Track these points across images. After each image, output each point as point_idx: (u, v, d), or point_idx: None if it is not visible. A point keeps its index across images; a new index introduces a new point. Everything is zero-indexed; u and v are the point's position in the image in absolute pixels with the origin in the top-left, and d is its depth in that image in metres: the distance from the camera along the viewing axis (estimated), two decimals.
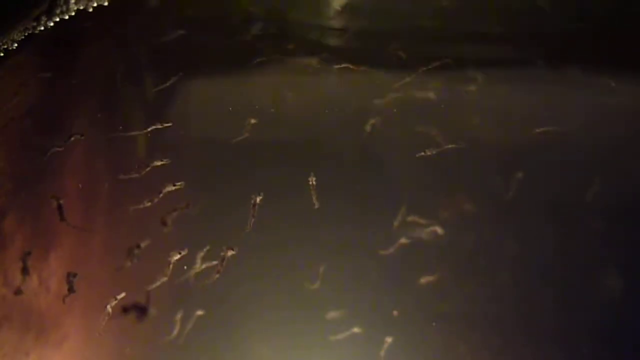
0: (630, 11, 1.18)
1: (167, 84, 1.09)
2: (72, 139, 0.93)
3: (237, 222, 0.90)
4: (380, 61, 1.13)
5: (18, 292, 0.84)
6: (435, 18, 1.22)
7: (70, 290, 0.83)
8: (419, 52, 1.15)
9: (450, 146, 0.98)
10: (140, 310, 0.83)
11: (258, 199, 0.91)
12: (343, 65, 1.11)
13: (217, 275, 0.86)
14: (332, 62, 1.12)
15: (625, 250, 0.86)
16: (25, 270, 0.85)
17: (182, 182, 0.93)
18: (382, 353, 0.79)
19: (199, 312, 0.83)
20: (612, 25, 1.19)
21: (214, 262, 0.86)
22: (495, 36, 1.18)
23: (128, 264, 0.86)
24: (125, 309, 0.83)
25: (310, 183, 0.94)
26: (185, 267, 0.86)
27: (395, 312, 0.82)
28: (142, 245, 0.87)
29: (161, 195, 0.92)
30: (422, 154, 0.97)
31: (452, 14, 1.22)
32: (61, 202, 0.90)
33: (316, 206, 0.92)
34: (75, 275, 0.84)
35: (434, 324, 0.81)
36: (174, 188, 0.92)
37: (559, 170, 0.96)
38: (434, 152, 0.97)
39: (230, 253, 0.87)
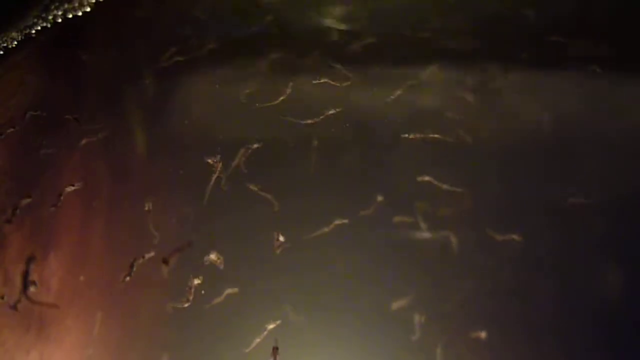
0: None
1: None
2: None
3: None
4: (382, 62, 1.14)
5: (18, 290, 0.84)
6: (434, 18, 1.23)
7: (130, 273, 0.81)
8: (420, 52, 1.17)
9: (450, 141, 0.99)
10: None
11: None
12: (345, 66, 1.12)
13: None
14: (334, 61, 1.13)
15: (625, 246, 0.86)
16: (26, 270, 0.85)
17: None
18: None
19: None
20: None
21: None
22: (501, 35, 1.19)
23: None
24: None
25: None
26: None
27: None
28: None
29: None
30: (406, 135, 0.99)
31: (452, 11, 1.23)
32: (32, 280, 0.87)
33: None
34: (143, 257, 0.83)
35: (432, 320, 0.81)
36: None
37: (560, 166, 0.96)
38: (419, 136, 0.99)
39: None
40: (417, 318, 0.81)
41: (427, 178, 0.95)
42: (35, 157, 1.00)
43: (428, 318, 0.81)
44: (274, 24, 1.20)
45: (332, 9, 1.22)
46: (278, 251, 0.89)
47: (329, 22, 1.20)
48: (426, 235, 0.89)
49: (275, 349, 0.81)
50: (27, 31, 1.18)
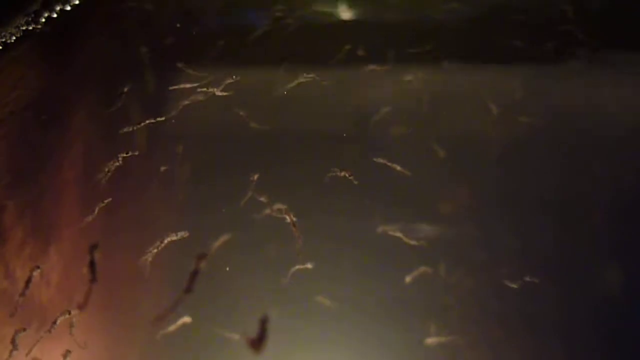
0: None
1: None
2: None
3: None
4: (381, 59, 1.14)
5: (19, 285, 0.84)
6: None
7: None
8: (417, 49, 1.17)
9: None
10: None
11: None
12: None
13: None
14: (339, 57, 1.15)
15: (626, 244, 0.86)
16: (25, 265, 0.86)
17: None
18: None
19: None
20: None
21: None
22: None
23: None
24: None
25: None
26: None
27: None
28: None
29: None
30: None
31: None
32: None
33: None
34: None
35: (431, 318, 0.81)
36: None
37: (559, 163, 0.96)
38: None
39: None
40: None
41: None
42: (34, 151, 1.00)
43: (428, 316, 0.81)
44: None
45: None
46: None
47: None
48: (427, 232, 0.89)
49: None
50: (26, 26, 1.17)
